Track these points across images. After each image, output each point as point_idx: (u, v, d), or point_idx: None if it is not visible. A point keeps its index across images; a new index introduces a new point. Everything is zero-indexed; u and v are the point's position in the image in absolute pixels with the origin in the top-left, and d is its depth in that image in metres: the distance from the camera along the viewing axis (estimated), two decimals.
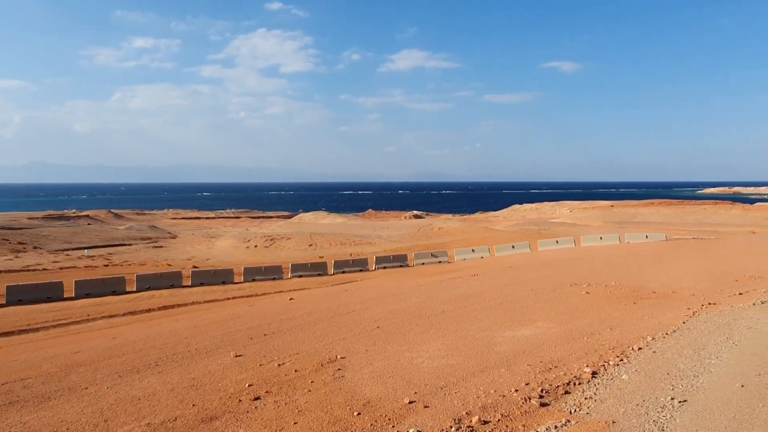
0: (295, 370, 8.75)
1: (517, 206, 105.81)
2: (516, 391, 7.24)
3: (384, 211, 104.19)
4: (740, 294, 13.74)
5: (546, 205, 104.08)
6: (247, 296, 23.86)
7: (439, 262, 33.65)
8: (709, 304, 12.52)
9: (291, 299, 19.18)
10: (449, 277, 22.45)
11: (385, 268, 32.00)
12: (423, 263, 33.19)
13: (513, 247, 36.16)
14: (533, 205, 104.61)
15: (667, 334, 9.70)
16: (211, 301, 22.95)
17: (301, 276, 29.54)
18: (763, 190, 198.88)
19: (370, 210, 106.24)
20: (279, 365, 9.14)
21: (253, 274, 28.87)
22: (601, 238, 38.59)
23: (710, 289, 14.81)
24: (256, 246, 44.20)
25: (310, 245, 44.90)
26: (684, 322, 10.57)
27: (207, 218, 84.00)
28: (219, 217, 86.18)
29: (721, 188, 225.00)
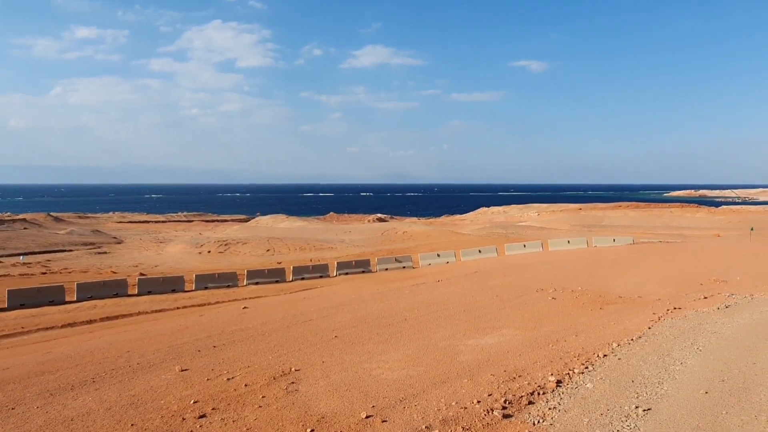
0: (245, 385, 8.53)
1: (484, 209, 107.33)
2: (478, 402, 7.23)
3: (346, 215, 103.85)
4: (705, 298, 14.19)
5: (514, 208, 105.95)
6: (199, 305, 23.32)
7: (404, 267, 33.69)
8: (675, 308, 12.87)
9: (245, 308, 18.82)
10: (413, 283, 22.48)
11: (346, 274, 31.82)
12: (386, 269, 33.15)
13: (479, 251, 36.55)
14: (501, 208, 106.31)
15: (632, 340, 9.90)
16: (159, 311, 22.34)
17: (257, 283, 29.07)
18: (727, 192, 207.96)
19: (331, 213, 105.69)
20: (228, 379, 8.89)
21: (205, 281, 28.24)
22: (568, 241, 39.46)
23: (675, 294, 15.25)
24: (209, 251, 43.34)
25: (268, 250, 44.32)
26: (649, 328, 10.81)
27: (156, 222, 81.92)
28: (169, 221, 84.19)
29: (688, 191, 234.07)
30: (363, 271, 32.66)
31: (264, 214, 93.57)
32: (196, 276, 28.61)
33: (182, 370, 9.63)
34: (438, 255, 35.87)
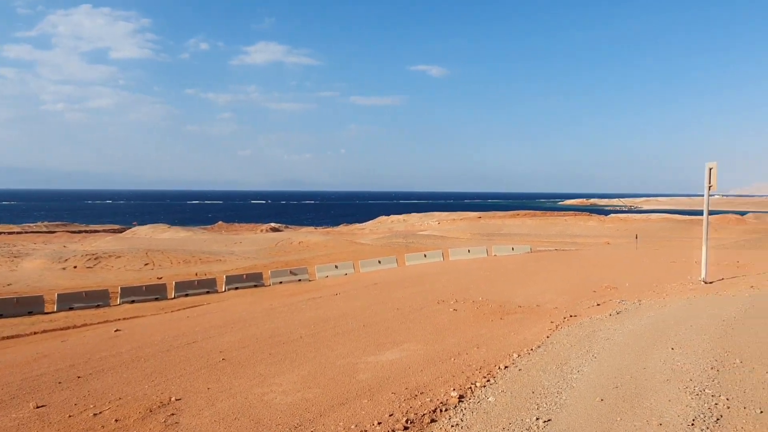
0: (116, 420, 7.89)
1: (383, 218, 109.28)
2: (379, 423, 7.20)
3: (237, 224, 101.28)
4: (598, 305, 15.27)
5: (414, 217, 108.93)
6: (62, 329, 21.50)
7: (299, 280, 33.31)
8: (571, 316, 13.71)
9: (117, 331, 17.60)
10: (309, 297, 22.23)
11: (236, 288, 30.91)
12: (281, 282, 32.62)
13: (379, 262, 36.99)
14: (401, 217, 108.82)
15: (531, 350, 10.38)
16: (12, 337, 20.32)
17: (133, 302, 27.38)
18: (615, 201, 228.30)
19: (220, 222, 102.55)
20: (95, 415, 8.19)
21: (70, 301, 26.12)
22: (469, 251, 41.04)
23: (571, 302, 16.28)
24: (75, 267, 40.23)
25: (146, 264, 41.98)
26: (548, 337, 11.41)
27: (10, 233, 74.77)
28: (26, 232, 77.24)
29: (580, 200, 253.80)
30: (255, 285, 31.89)
31: (142, 223, 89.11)
32: (59, 295, 26.41)
33: (38, 407, 8.73)
34: (336, 266, 35.83)
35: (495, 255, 39.57)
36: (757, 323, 11.14)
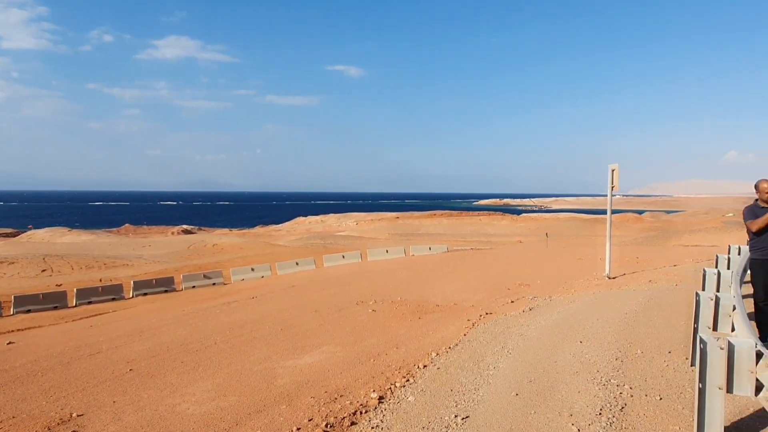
0: None
1: (301, 219, 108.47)
2: (298, 429, 7.08)
3: (145, 226, 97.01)
4: (512, 302, 15.82)
5: (332, 217, 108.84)
6: None
7: (213, 284, 32.36)
8: (486, 313, 14.12)
9: (10, 343, 16.30)
10: (224, 301, 21.62)
11: (146, 294, 29.56)
12: (194, 286, 31.55)
13: (297, 264, 36.59)
14: (318, 218, 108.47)
15: (450, 348, 10.58)
16: None
17: (29, 311, 25.53)
18: (527, 201, 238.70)
19: (127, 225, 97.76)
20: None
21: None
22: (387, 251, 41.42)
23: (487, 299, 16.77)
24: None
25: (44, 271, 39.31)
26: (465, 335, 11.68)
27: None
28: None
29: (494, 200, 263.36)
30: (166, 291, 30.64)
31: (38, 226, 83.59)
32: None
33: None
34: (252, 269, 35.10)
35: (413, 255, 40.18)
36: (655, 315, 11.96)
